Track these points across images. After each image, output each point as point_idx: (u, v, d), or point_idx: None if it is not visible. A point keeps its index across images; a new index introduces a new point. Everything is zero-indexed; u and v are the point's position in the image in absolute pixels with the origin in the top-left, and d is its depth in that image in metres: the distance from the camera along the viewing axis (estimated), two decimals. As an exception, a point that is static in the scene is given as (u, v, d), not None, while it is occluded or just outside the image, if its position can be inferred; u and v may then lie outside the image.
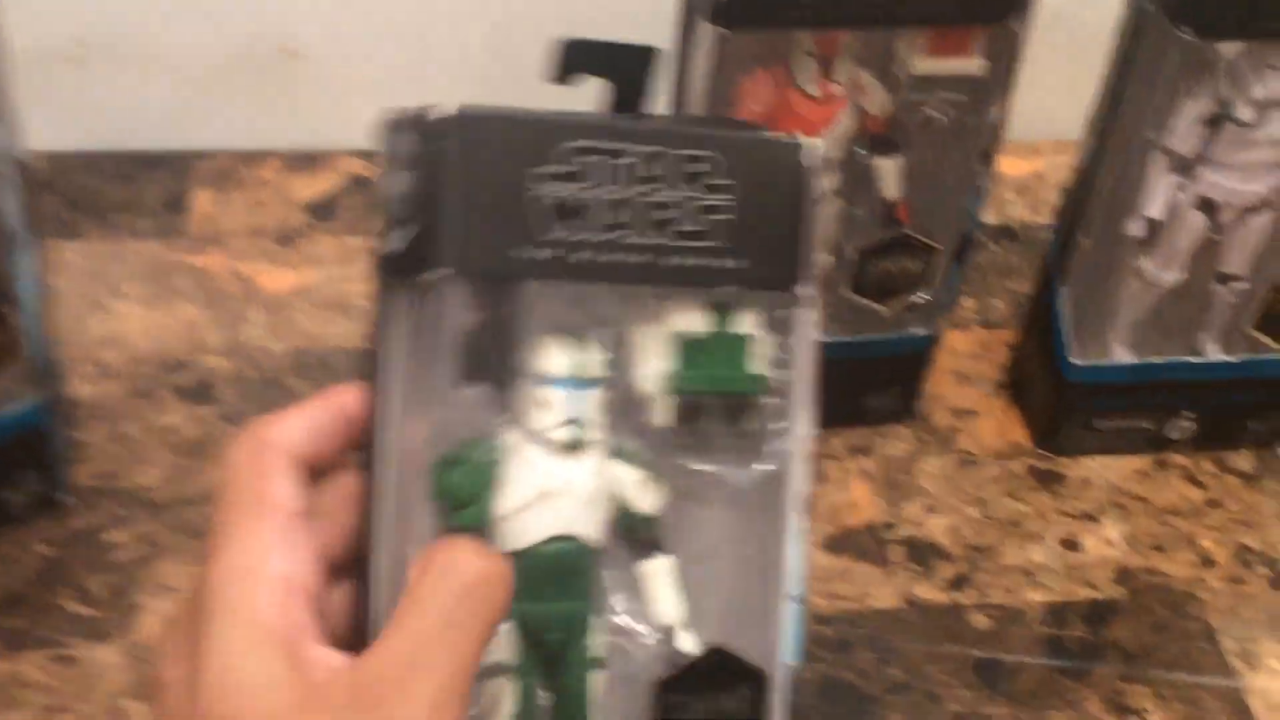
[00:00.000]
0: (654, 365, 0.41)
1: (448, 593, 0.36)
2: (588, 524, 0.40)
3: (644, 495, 0.41)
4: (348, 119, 0.85)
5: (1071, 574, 0.68)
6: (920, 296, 0.69)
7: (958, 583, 0.68)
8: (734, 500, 0.42)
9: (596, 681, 0.41)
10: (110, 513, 0.66)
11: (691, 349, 0.41)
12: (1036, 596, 0.67)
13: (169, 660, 0.37)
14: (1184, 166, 0.65)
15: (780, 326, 0.42)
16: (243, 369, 0.73)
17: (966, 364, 0.78)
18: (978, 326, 0.80)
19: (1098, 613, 0.67)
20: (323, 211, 0.83)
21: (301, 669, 0.36)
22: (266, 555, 0.37)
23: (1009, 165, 0.88)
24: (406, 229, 0.38)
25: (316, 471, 0.40)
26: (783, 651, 0.42)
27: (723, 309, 0.41)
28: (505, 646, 0.40)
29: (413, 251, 0.37)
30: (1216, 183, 0.65)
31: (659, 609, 0.42)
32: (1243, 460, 0.74)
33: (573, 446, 0.40)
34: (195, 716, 0.35)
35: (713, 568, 0.42)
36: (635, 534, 0.41)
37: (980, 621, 0.66)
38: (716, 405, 0.41)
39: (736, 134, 0.41)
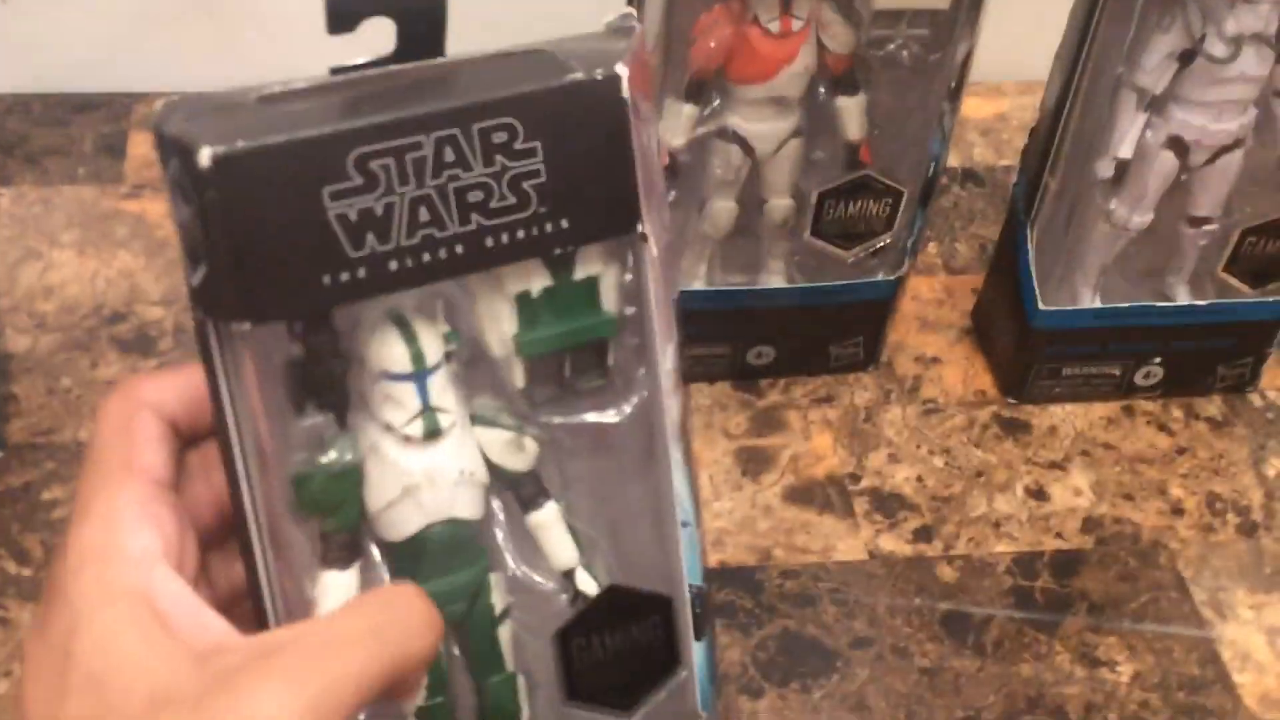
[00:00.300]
0: (500, 330, 0.39)
1: (387, 609, 0.36)
2: (461, 504, 0.40)
3: (513, 454, 0.40)
4: (293, 58, 0.83)
5: (1039, 524, 0.67)
6: (883, 240, 0.68)
7: (923, 534, 0.67)
8: (610, 443, 0.41)
9: (506, 633, 0.42)
10: (47, 469, 0.65)
11: (535, 307, 0.39)
12: (1004, 547, 0.66)
13: (33, 642, 0.35)
14: (1154, 104, 0.64)
15: (623, 254, 0.40)
16: (184, 320, 0.71)
17: (930, 310, 0.77)
18: (943, 272, 0.79)
19: (1066, 563, 0.66)
20: (267, 157, 0.81)
21: (180, 636, 0.34)
22: (127, 527, 0.35)
23: (972, 107, 0.87)
24: (198, 267, 0.35)
25: (188, 437, 0.39)
26: (686, 574, 0.42)
27: (561, 261, 0.39)
28: None
29: (208, 292, 0.35)
30: (1187, 121, 0.64)
31: (554, 555, 0.42)
32: (1212, 406, 0.74)
33: (430, 436, 0.39)
34: (71, 692, 0.34)
35: (603, 508, 0.42)
36: (518, 489, 0.41)
37: (947, 573, 0.65)
38: (571, 356, 0.40)
39: (534, 87, 0.37)
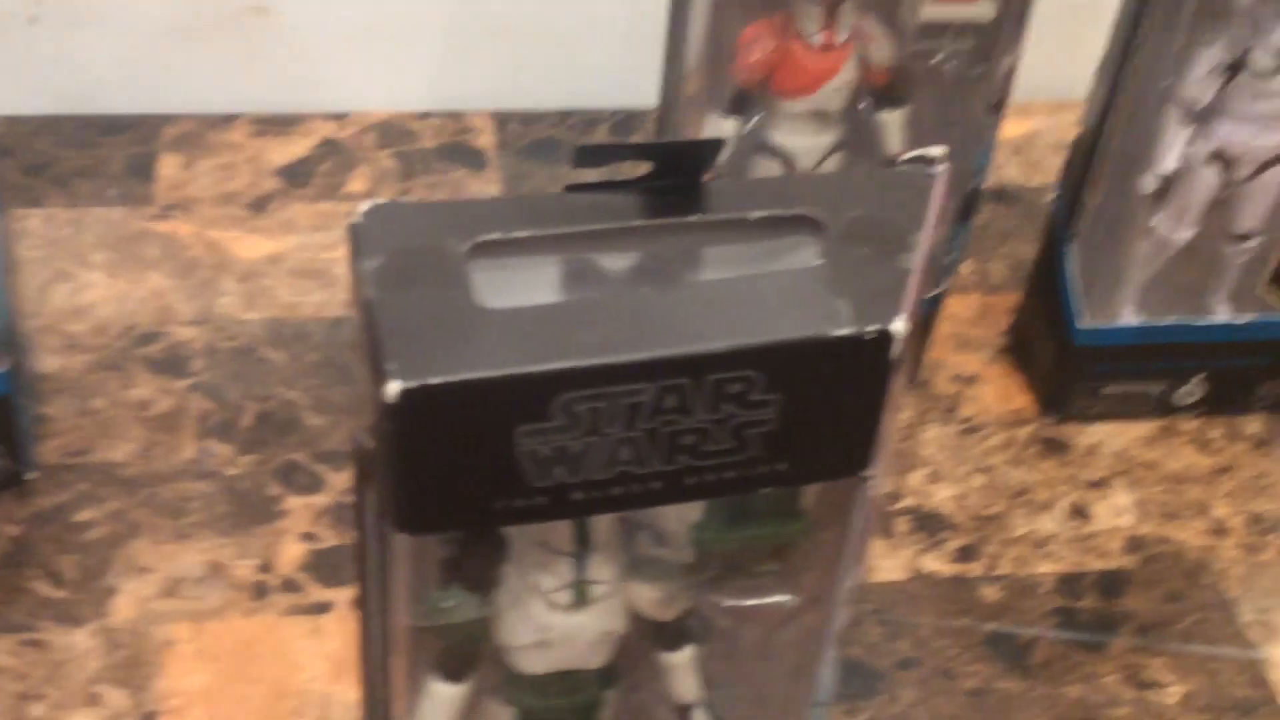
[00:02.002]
0: (682, 514, 0.37)
1: None
2: (593, 657, 0.39)
3: (663, 609, 0.39)
4: (320, 79, 0.83)
5: (1082, 543, 0.67)
6: (923, 258, 0.68)
7: (966, 554, 0.66)
8: (765, 623, 0.40)
9: None
10: (80, 490, 0.64)
11: (725, 505, 0.37)
12: (1047, 567, 0.66)
13: None
14: (1198, 118, 0.63)
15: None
16: (216, 340, 0.71)
17: (967, 329, 0.76)
18: (978, 291, 0.78)
19: (1110, 583, 0.65)
20: (296, 176, 0.81)
21: None
22: None
23: (1004, 127, 0.86)
24: (379, 481, 0.33)
25: None
26: None
27: None
28: None
29: (388, 510, 0.33)
30: (1232, 135, 0.63)
31: (678, 690, 0.40)
32: (1253, 425, 0.73)
33: (578, 605, 0.38)
34: None
35: (738, 667, 0.41)
36: (660, 631, 0.40)
37: (990, 594, 0.64)
38: (753, 549, 0.39)
39: (789, 337, 0.32)
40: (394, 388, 0.30)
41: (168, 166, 0.80)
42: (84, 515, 0.63)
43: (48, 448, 0.65)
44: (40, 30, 0.81)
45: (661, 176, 0.33)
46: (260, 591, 0.61)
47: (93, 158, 0.79)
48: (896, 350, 0.32)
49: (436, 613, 0.37)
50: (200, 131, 0.82)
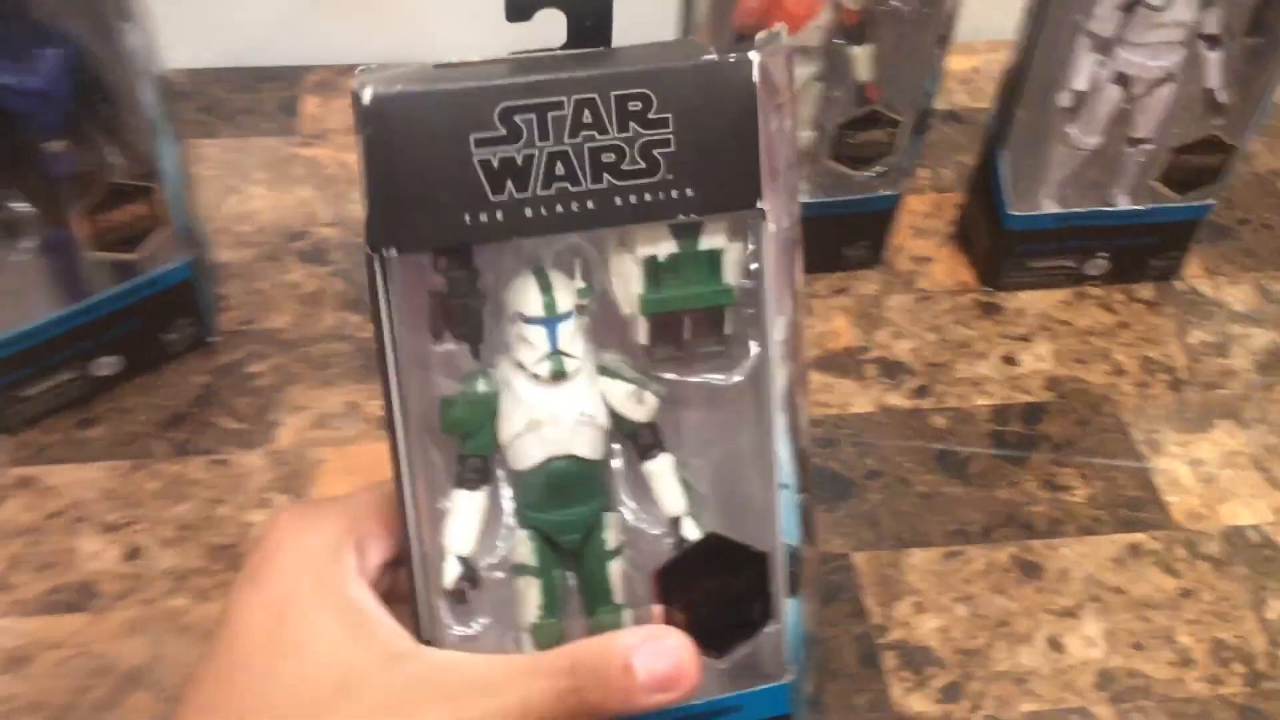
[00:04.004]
0: (628, 289, 0.35)
1: (590, 674, 0.32)
2: (581, 445, 0.35)
3: (633, 405, 0.36)
4: (448, 39, 0.81)
5: (1011, 383, 0.65)
6: (886, 163, 0.65)
7: (920, 391, 0.65)
8: (722, 403, 0.36)
9: (617, 569, 0.37)
10: (250, 350, 0.64)
11: (661, 271, 0.34)
12: (983, 401, 0.64)
13: (244, 591, 0.33)
14: (1104, 46, 0.61)
15: (742, 233, 0.34)
16: (348, 237, 0.70)
17: (923, 221, 0.74)
18: (931, 191, 0.76)
19: (1032, 413, 0.64)
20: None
21: (378, 639, 0.32)
22: (346, 545, 0.34)
23: (953, 62, 0.83)
24: (365, 204, 0.32)
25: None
26: (781, 533, 0.36)
27: (687, 230, 0.34)
28: (525, 551, 0.36)
29: (369, 225, 0.32)
30: (1130, 59, 0.61)
31: (664, 503, 0.37)
32: (1146, 290, 0.71)
33: (556, 376, 0.35)
34: (281, 650, 0.31)
35: (710, 463, 0.37)
36: (636, 438, 0.36)
37: (939, 421, 0.63)
38: (691, 320, 0.35)
39: (670, 64, 0.32)
40: (367, 94, 0.30)
41: (309, 105, 0.79)
42: (254, 368, 0.63)
43: (225, 318, 0.65)
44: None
45: (577, 45, 0.33)
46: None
47: (252, 100, 0.78)
48: (756, 75, 0.32)
49: (449, 404, 0.34)
50: (333, 78, 0.80)
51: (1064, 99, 0.62)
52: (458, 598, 0.35)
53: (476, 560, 0.36)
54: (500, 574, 0.36)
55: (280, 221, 0.71)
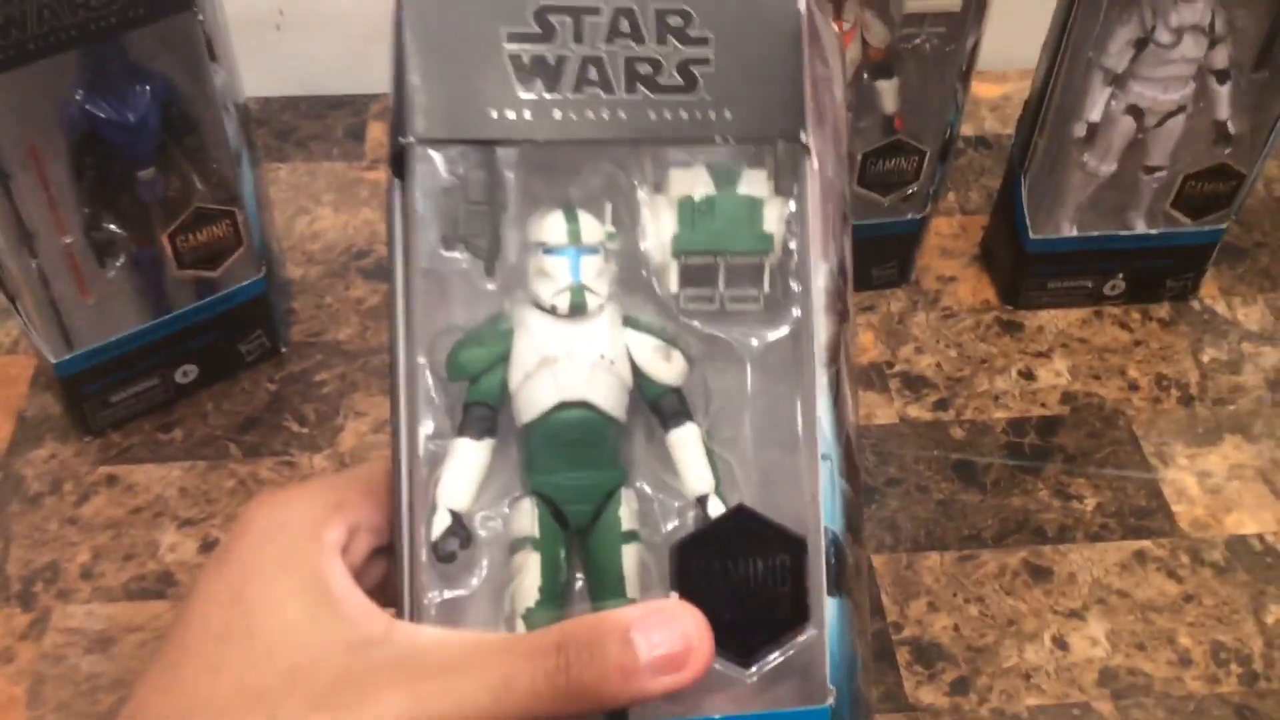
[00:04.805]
0: (660, 231, 0.31)
1: (542, 676, 0.26)
2: (597, 391, 0.30)
3: (660, 363, 0.31)
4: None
5: (1028, 396, 0.68)
6: (912, 189, 0.68)
7: (940, 404, 0.67)
8: (756, 366, 0.31)
9: (631, 555, 0.31)
10: (317, 359, 0.67)
11: (696, 213, 0.31)
12: (1001, 414, 0.67)
13: (212, 571, 0.29)
14: (1117, 80, 0.63)
15: (787, 182, 0.31)
16: (408, 255, 0.74)
17: (948, 242, 0.77)
18: (958, 213, 0.79)
19: (1047, 425, 0.67)
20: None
21: (344, 619, 0.28)
22: (322, 517, 0.29)
23: (983, 89, 0.86)
24: (391, 88, 0.29)
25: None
26: (822, 515, 0.30)
27: (726, 171, 0.31)
28: (526, 521, 0.31)
29: (394, 112, 0.29)
30: (1142, 93, 0.63)
31: (690, 478, 0.31)
32: (1162, 310, 0.73)
33: (576, 310, 0.30)
34: (229, 634, 0.27)
35: (740, 433, 0.31)
36: (659, 404, 0.31)
37: (958, 433, 0.66)
38: (727, 268, 0.31)
39: None
40: None
41: (375, 131, 0.81)
42: (320, 376, 0.66)
43: (294, 330, 0.68)
44: (284, 33, 0.83)
45: None
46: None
47: (321, 126, 0.81)
48: (802, 4, 0.30)
49: (458, 346, 0.30)
50: (396, 106, 0.84)
51: (1080, 129, 0.65)
52: (445, 557, 0.30)
53: (471, 518, 0.31)
54: (497, 525, 0.31)
55: (346, 241, 0.74)
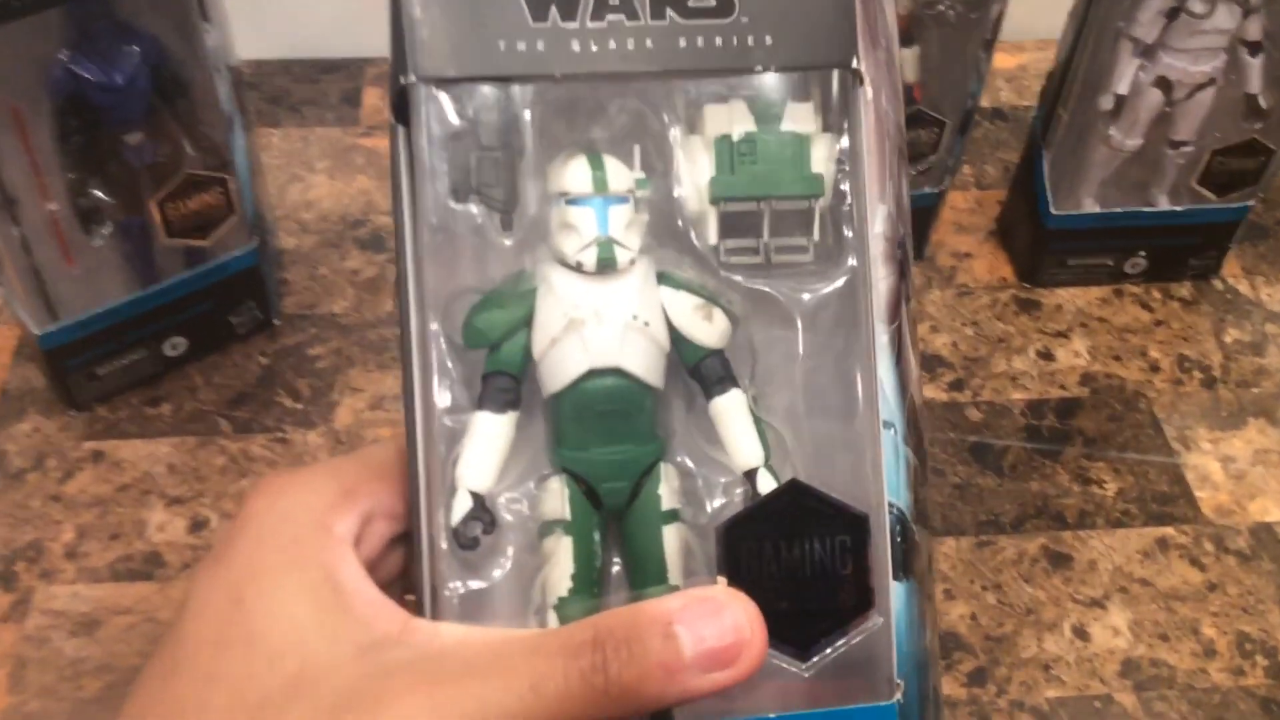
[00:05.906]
0: (696, 176, 0.28)
1: (577, 676, 0.24)
2: (631, 356, 0.27)
3: (700, 323, 0.28)
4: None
5: (1046, 378, 0.67)
6: (929, 162, 0.67)
7: (957, 385, 0.66)
8: (805, 319, 0.28)
9: (672, 537, 0.28)
10: (311, 333, 0.66)
11: (735, 154, 0.27)
12: (1019, 395, 0.66)
13: (206, 575, 0.27)
14: (1146, 51, 0.61)
15: (837, 116, 0.27)
16: (406, 225, 0.72)
17: (965, 217, 0.75)
18: (974, 188, 0.77)
19: (1067, 407, 0.65)
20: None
21: (355, 618, 0.25)
22: (332, 506, 0.27)
23: (999, 60, 0.84)
24: (391, 24, 0.27)
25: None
26: (885, 489, 0.27)
27: (768, 105, 0.27)
28: (557, 503, 0.28)
29: (393, 63, 0.27)
30: (1171, 64, 0.61)
31: (737, 451, 0.28)
32: (1184, 290, 0.72)
33: (604, 266, 0.27)
34: (229, 642, 0.25)
35: (791, 400, 0.28)
36: (700, 369, 0.28)
37: (974, 414, 0.65)
38: (772, 214, 0.27)
39: None
40: None
41: (370, 97, 0.80)
42: (314, 351, 0.65)
43: (287, 303, 0.67)
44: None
45: None
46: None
47: (315, 91, 0.80)
48: None
49: (474, 308, 0.27)
50: (393, 71, 0.82)
51: (1106, 101, 0.63)
52: (467, 544, 0.27)
53: (494, 500, 0.28)
54: (523, 507, 0.28)
55: (341, 210, 0.72)
